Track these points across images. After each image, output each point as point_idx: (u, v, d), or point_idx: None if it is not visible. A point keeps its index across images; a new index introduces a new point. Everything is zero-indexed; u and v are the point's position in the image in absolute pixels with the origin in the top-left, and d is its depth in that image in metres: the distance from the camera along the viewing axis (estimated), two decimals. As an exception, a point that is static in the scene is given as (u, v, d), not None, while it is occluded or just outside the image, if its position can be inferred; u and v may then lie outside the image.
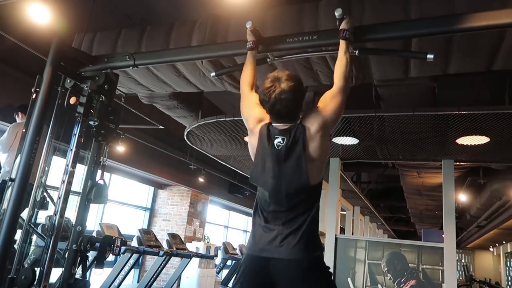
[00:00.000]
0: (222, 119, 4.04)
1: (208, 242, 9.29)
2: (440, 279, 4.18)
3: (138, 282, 8.01)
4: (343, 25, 2.01)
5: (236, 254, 8.58)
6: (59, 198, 2.74)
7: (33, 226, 2.77)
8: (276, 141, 1.71)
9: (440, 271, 4.20)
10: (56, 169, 2.95)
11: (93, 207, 3.04)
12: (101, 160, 3.00)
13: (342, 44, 1.97)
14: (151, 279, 6.20)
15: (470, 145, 4.02)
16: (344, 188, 6.72)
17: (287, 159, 1.68)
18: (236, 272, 1.80)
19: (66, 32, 2.96)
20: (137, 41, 3.28)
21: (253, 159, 1.81)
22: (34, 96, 2.72)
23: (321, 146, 1.69)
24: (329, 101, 1.78)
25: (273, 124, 1.76)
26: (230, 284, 8.92)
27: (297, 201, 1.70)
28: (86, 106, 2.85)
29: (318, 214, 1.73)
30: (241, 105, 1.97)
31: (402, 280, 4.34)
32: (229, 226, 12.64)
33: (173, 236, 6.76)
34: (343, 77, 1.83)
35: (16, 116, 4.15)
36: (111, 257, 5.61)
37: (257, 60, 2.22)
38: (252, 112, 1.87)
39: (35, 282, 2.56)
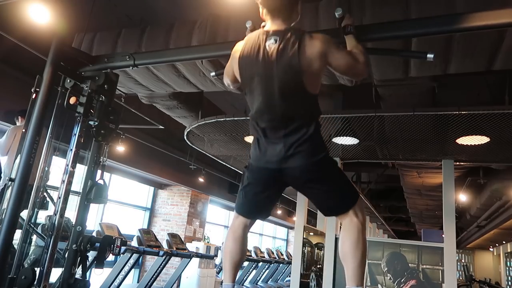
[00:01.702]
0: (222, 119, 4.04)
1: (208, 242, 9.29)
2: (440, 279, 4.18)
3: (138, 282, 8.01)
4: (345, 21, 1.99)
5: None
6: (59, 198, 2.74)
7: (33, 226, 2.77)
8: (268, 43, 1.67)
9: (440, 271, 4.20)
10: (56, 169, 2.95)
11: (93, 207, 3.04)
12: (101, 160, 3.00)
13: (349, 39, 1.91)
14: (151, 279, 6.20)
15: (470, 145, 4.02)
16: (344, 188, 6.70)
17: (279, 59, 1.63)
18: (241, 181, 1.86)
19: (66, 32, 2.96)
20: (137, 41, 3.28)
21: (238, 77, 1.80)
22: (34, 96, 2.72)
23: (317, 68, 1.66)
24: (345, 55, 1.73)
25: (265, 28, 1.74)
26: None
27: (292, 104, 1.67)
28: (86, 106, 2.85)
29: (319, 126, 1.71)
30: (224, 77, 1.99)
31: (402, 280, 4.34)
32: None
33: (173, 236, 6.76)
34: (364, 62, 1.75)
35: (16, 120, 4.16)
36: (111, 257, 5.61)
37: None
38: (229, 68, 1.89)
39: (35, 282, 2.56)
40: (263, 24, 1.80)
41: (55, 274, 2.74)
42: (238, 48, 1.81)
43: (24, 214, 2.70)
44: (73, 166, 2.80)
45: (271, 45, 1.66)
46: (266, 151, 1.71)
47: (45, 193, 2.78)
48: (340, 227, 1.91)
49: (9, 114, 4.47)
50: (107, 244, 2.99)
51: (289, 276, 7.93)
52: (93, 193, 2.88)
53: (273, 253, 10.52)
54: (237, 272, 1.88)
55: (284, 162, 1.66)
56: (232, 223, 1.89)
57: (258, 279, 10.21)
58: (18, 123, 4.12)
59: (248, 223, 1.87)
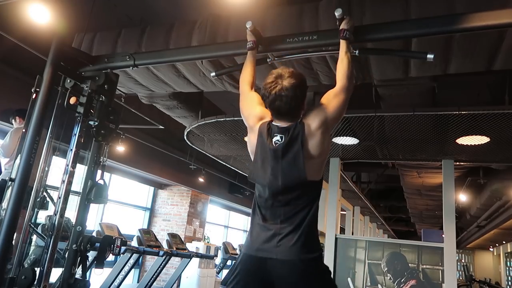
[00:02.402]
0: (222, 119, 4.04)
1: (208, 242, 9.29)
2: (440, 279, 4.18)
3: (138, 282, 8.01)
4: (343, 25, 2.01)
5: (236, 254, 8.56)
6: (59, 198, 2.74)
7: (33, 226, 2.77)
8: (274, 139, 1.71)
9: (440, 271, 4.20)
10: (56, 169, 2.95)
11: (93, 207, 3.04)
12: (101, 160, 3.00)
13: (343, 44, 1.97)
14: (151, 279, 6.20)
15: (470, 145, 4.02)
16: (344, 188, 6.72)
17: (284, 155, 1.68)
18: (231, 272, 1.78)
19: (66, 32, 2.96)
20: (137, 41, 3.28)
21: (252, 157, 1.81)
22: (34, 96, 2.72)
23: (321, 144, 1.69)
24: (332, 99, 1.78)
25: (273, 123, 1.76)
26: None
27: (294, 196, 1.69)
28: (86, 106, 2.85)
29: (317, 214, 1.72)
30: (240, 104, 1.97)
31: (402, 280, 4.34)
32: (229, 226, 12.64)
33: (173, 236, 6.76)
34: (346, 76, 1.82)
35: (13, 120, 4.12)
36: (111, 257, 5.62)
37: (257, 60, 2.22)
38: (253, 110, 1.87)
39: (35, 282, 2.57)
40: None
41: (55, 274, 2.74)
42: (261, 122, 1.80)
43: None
44: (73, 166, 2.80)
45: (277, 142, 1.70)
46: (259, 237, 1.69)
47: (45, 193, 2.77)
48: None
49: (4, 112, 4.45)
50: (107, 244, 2.99)
51: (289, 276, 7.90)
52: (93, 193, 2.88)
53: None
54: None
55: (273, 252, 1.62)
56: None
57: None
58: (15, 124, 4.09)
59: None
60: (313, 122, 1.70)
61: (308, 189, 1.71)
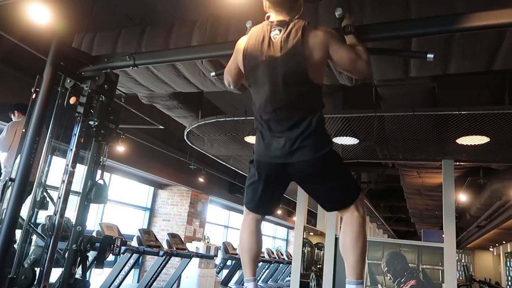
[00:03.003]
0: (222, 119, 4.04)
1: (208, 242, 9.29)
2: (440, 279, 4.18)
3: (138, 282, 8.01)
4: (345, 22, 2.00)
5: (236, 254, 8.57)
6: (59, 198, 2.74)
7: (33, 226, 2.77)
8: (273, 33, 1.69)
9: (440, 271, 4.20)
10: (56, 169, 2.95)
11: (93, 207, 3.04)
12: (101, 160, 3.00)
13: (351, 38, 1.92)
14: (151, 279, 6.20)
15: (470, 145, 4.02)
16: (344, 188, 6.70)
17: (283, 47, 1.65)
18: (247, 177, 1.88)
19: (66, 32, 2.96)
20: (137, 41, 3.28)
21: (242, 68, 1.80)
22: (34, 96, 2.72)
23: (320, 56, 1.67)
24: (347, 51, 1.72)
25: (271, 19, 1.76)
26: (230, 284, 8.92)
27: (295, 94, 1.67)
28: (86, 106, 2.85)
29: (323, 120, 1.71)
30: (225, 75, 2.00)
31: (402, 280, 4.34)
32: (229, 226, 12.64)
33: (173, 236, 6.76)
34: (365, 61, 1.76)
35: (12, 115, 4.10)
36: (111, 257, 5.62)
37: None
38: (233, 61, 1.90)
39: (35, 282, 2.57)
40: (267, 15, 1.81)
41: (55, 274, 2.74)
42: (243, 41, 1.82)
43: (24, 214, 2.71)
44: (73, 166, 2.80)
45: (276, 36, 1.68)
46: (271, 145, 1.70)
47: (45, 193, 2.77)
48: (340, 226, 1.91)
49: (7, 112, 4.44)
50: (107, 244, 2.99)
51: (289, 276, 7.93)
52: (93, 193, 2.88)
53: (273, 253, 10.52)
54: (256, 265, 1.92)
55: (289, 157, 1.66)
56: (244, 219, 1.90)
57: (258, 279, 10.21)
58: (14, 118, 4.08)
59: (260, 217, 1.89)
60: (316, 39, 1.66)
61: (309, 90, 1.69)
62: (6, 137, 3.87)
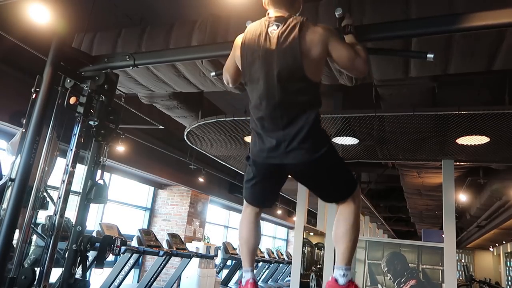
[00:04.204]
0: (222, 119, 4.04)
1: (208, 242, 9.29)
2: (440, 279, 4.18)
3: (138, 282, 8.01)
4: (345, 21, 1.99)
5: (236, 254, 8.58)
6: (59, 198, 2.74)
7: (33, 226, 2.77)
8: (270, 28, 1.69)
9: (440, 271, 4.20)
10: (56, 169, 2.95)
11: (93, 207, 3.04)
12: (101, 160, 3.00)
13: (350, 38, 1.91)
14: (151, 279, 6.20)
15: (470, 145, 4.02)
16: (344, 188, 6.70)
17: (280, 43, 1.64)
18: (245, 173, 1.88)
19: (66, 32, 2.96)
20: (137, 41, 3.28)
21: (239, 65, 1.79)
22: (34, 96, 2.72)
23: (317, 55, 1.66)
24: (346, 49, 1.72)
25: (269, 15, 1.75)
26: (230, 284, 8.92)
27: (291, 90, 1.64)
28: (86, 106, 2.85)
29: (319, 119, 1.69)
30: (223, 73, 2.01)
31: (402, 280, 4.34)
32: (229, 226, 12.64)
33: (173, 236, 6.76)
34: (363, 60, 1.76)
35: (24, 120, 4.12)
36: (111, 257, 5.61)
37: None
38: (231, 58, 1.91)
39: (35, 282, 2.56)
40: (268, 12, 1.81)
41: (55, 274, 2.74)
42: (240, 37, 1.82)
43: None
44: (73, 166, 2.80)
45: (273, 31, 1.67)
46: (265, 146, 1.69)
47: (45, 193, 2.77)
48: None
49: (13, 114, 4.44)
50: (107, 244, 2.99)
51: (289, 276, 7.94)
52: (93, 193, 2.88)
53: (273, 253, 10.52)
54: (255, 256, 1.92)
55: (284, 158, 1.65)
56: (244, 212, 1.91)
57: (258, 279, 10.21)
58: None
59: (259, 210, 1.90)
60: (315, 35, 1.65)
61: (305, 87, 1.66)
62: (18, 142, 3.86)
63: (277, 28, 1.67)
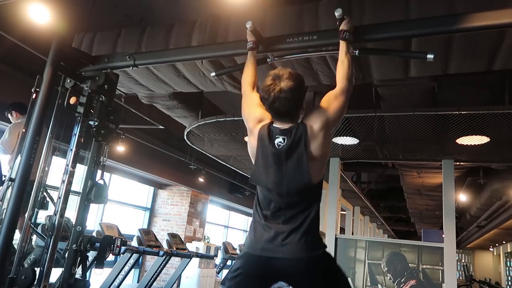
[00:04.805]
0: (222, 119, 4.04)
1: (208, 242, 9.28)
2: (440, 279, 4.18)
3: (138, 282, 8.01)
4: (342, 26, 2.00)
5: (236, 254, 8.59)
6: (59, 198, 2.74)
7: (33, 226, 2.77)
8: (277, 141, 1.71)
9: (440, 271, 4.20)
10: (56, 169, 2.95)
11: (93, 207, 3.04)
12: (101, 160, 3.00)
13: (343, 45, 1.96)
14: (151, 279, 6.20)
15: (470, 145, 4.02)
16: (344, 188, 6.72)
17: (288, 158, 1.68)
18: (232, 269, 1.76)
19: (66, 32, 2.96)
20: (137, 41, 3.28)
21: (252, 160, 1.81)
22: (34, 96, 2.72)
23: (323, 145, 1.69)
24: (332, 100, 1.78)
25: (274, 124, 1.76)
26: (230, 284, 8.90)
27: (297, 199, 1.69)
28: (86, 106, 2.85)
29: (318, 213, 1.73)
30: (242, 105, 1.97)
31: (402, 280, 4.34)
32: (229, 226, 12.64)
33: (173, 236, 6.76)
34: (346, 78, 1.83)
35: (10, 115, 4.04)
36: (111, 257, 5.62)
37: (257, 60, 2.22)
38: (253, 112, 1.87)
39: (35, 282, 2.56)
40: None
41: (55, 274, 2.74)
42: (259, 124, 1.80)
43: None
44: (73, 166, 2.80)
45: (280, 144, 1.70)
46: (262, 236, 1.68)
47: (45, 193, 2.77)
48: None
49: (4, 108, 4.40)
50: (107, 244, 2.99)
51: (289, 276, 7.91)
52: (93, 193, 2.88)
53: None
54: None
55: (279, 251, 1.62)
56: None
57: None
58: (13, 119, 4.02)
59: None
60: (315, 123, 1.70)
61: (311, 191, 1.71)
62: (8, 139, 3.84)
63: (284, 142, 1.69)
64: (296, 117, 1.74)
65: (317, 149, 1.68)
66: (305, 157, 1.66)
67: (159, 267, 6.18)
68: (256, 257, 1.68)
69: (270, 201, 1.72)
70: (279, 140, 1.70)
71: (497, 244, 16.60)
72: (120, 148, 6.19)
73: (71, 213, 2.94)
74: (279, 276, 1.68)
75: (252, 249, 1.70)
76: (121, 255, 5.42)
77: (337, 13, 2.00)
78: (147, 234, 6.05)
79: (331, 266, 1.73)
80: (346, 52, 1.92)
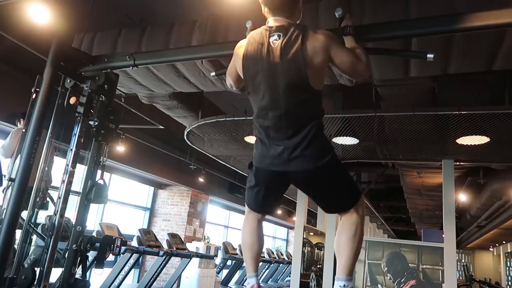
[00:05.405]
0: (222, 119, 4.04)
1: (208, 242, 9.29)
2: (440, 279, 4.18)
3: (138, 282, 8.01)
4: (345, 22, 1.99)
5: (236, 254, 8.59)
6: (59, 198, 2.74)
7: (33, 226, 2.77)
8: (272, 39, 1.67)
9: (440, 271, 4.20)
10: (56, 169, 2.94)
11: (93, 207, 3.04)
12: (101, 160, 3.00)
13: (349, 40, 1.91)
14: (151, 279, 6.20)
15: (470, 145, 4.02)
16: (344, 188, 6.70)
17: (283, 54, 1.63)
18: (247, 180, 1.87)
19: (66, 32, 2.95)
20: (137, 41, 3.28)
21: (241, 74, 1.78)
22: (34, 96, 2.72)
23: (320, 62, 1.65)
24: (347, 54, 1.72)
25: (269, 24, 1.74)
26: (231, 284, 8.93)
27: (296, 101, 1.65)
28: (86, 106, 2.85)
29: (322, 126, 1.72)
30: (226, 77, 2.01)
31: (402, 280, 4.34)
32: (229, 226, 12.64)
33: (173, 236, 6.76)
34: (365, 63, 1.76)
35: (18, 122, 4.11)
36: (111, 257, 5.62)
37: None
38: (232, 64, 1.91)
39: (35, 282, 2.57)
40: (268, 20, 1.80)
41: (55, 274, 2.74)
42: (241, 46, 1.80)
43: (24, 214, 2.70)
44: (73, 166, 2.80)
45: (275, 41, 1.66)
46: (269, 153, 1.69)
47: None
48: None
49: (10, 115, 4.44)
50: (107, 244, 2.99)
51: (289, 276, 7.94)
52: (93, 193, 2.88)
53: (273, 253, 10.52)
54: (259, 262, 1.92)
55: (287, 165, 1.65)
56: (246, 217, 1.91)
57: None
58: (20, 125, 4.08)
59: (261, 216, 1.91)
60: (317, 42, 1.64)
61: (310, 97, 1.68)
62: (9, 144, 3.85)
63: (279, 38, 1.65)
64: (292, 13, 1.73)
65: (314, 56, 1.62)
66: (301, 53, 1.60)
67: (159, 267, 6.18)
68: (265, 171, 1.73)
69: (267, 109, 1.68)
70: (274, 37, 1.67)
71: (497, 244, 16.60)
72: (120, 148, 6.19)
73: (71, 213, 2.93)
74: (290, 181, 1.75)
75: (261, 164, 1.74)
76: (121, 255, 5.43)
77: (337, 13, 2.00)
78: (147, 234, 6.05)
79: (336, 172, 1.74)
80: (356, 45, 1.86)
